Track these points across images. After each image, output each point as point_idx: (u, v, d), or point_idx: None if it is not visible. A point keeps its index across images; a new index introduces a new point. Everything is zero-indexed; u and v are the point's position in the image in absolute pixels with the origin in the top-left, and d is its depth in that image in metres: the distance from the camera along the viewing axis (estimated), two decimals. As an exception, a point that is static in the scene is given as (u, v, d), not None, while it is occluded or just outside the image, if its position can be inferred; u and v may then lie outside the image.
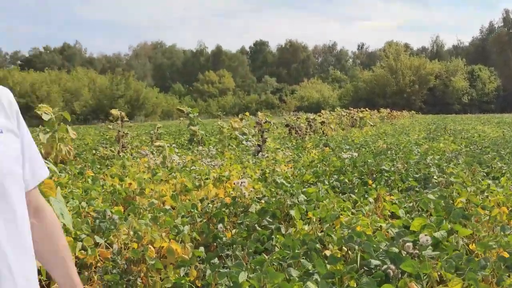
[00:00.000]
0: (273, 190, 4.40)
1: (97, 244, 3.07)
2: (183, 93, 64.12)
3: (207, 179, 4.80)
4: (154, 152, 7.00)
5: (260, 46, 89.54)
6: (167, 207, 3.92)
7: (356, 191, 4.41)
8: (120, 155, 7.32)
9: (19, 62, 74.97)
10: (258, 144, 7.69)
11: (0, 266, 1.07)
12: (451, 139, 10.81)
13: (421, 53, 73.67)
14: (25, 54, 79.20)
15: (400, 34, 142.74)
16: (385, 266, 2.44)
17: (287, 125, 12.40)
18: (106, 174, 5.15)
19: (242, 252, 2.92)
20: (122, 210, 3.76)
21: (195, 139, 9.62)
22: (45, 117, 6.27)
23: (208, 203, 4.02)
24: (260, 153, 7.14)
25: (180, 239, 3.27)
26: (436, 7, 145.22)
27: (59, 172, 5.00)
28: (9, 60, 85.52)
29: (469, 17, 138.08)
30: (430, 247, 2.59)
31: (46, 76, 51.47)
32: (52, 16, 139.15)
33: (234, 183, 4.01)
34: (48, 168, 3.19)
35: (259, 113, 13.01)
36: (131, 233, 3.16)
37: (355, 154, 6.25)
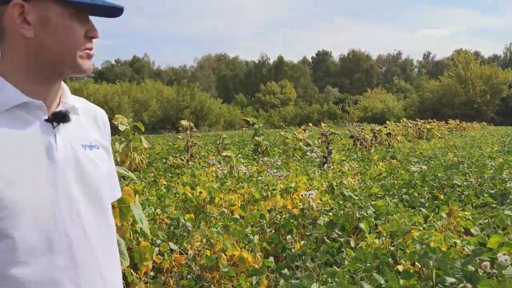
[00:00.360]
0: (341, 202, 4.39)
1: (172, 250, 3.22)
2: (245, 103, 65.00)
3: (274, 190, 4.87)
4: (221, 162, 7.19)
5: (322, 56, 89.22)
6: (236, 216, 4.04)
7: (426, 205, 4.30)
8: (189, 164, 7.59)
9: (92, 74, 79.45)
10: (323, 156, 7.67)
11: (95, 275, 1.17)
12: (528, 152, 10.22)
13: (492, 61, 70.21)
14: (98, 67, 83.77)
15: (469, 41, 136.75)
16: (461, 285, 2.39)
17: (351, 137, 12.27)
18: (177, 183, 5.37)
19: (313, 264, 2.95)
20: (193, 217, 3.91)
21: (259, 149, 9.75)
22: (121, 127, 6.63)
23: (276, 214, 4.09)
24: (326, 164, 7.13)
25: (251, 248, 3.36)
26: (509, 12, 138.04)
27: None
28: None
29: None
30: (509, 266, 2.50)
31: (117, 87, 54.17)
32: (122, 30, 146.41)
33: (302, 195, 4.05)
34: (128, 176, 3.38)
35: (322, 124, 13.00)
36: (204, 240, 3.29)
37: (424, 167, 6.10)
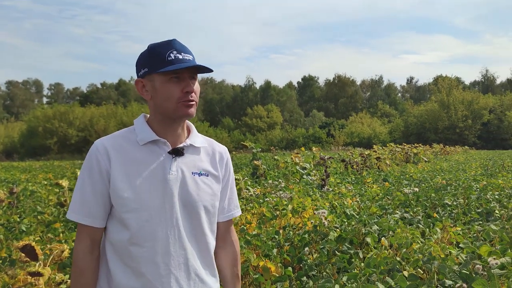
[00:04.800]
0: (345, 220, 4.88)
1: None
2: (232, 127, 65.51)
3: (284, 209, 5.34)
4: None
5: (308, 81, 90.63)
6: (253, 233, 4.49)
7: (422, 222, 4.82)
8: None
9: (77, 97, 79.63)
10: (321, 179, 8.19)
11: (182, 264, 1.64)
12: (510, 175, 10.88)
13: (473, 87, 72.36)
14: (84, 90, 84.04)
15: (450, 67, 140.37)
16: (458, 285, 2.89)
17: (343, 160, 12.85)
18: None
19: (331, 270, 3.42)
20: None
21: (257, 172, 10.23)
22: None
23: (290, 231, 4.56)
24: (325, 187, 7.64)
25: (271, 260, 3.82)
26: (488, 40, 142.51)
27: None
28: (68, 95, 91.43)
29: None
30: (497, 270, 3.01)
31: (103, 110, 54.17)
32: (108, 53, 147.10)
33: (315, 213, 4.54)
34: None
35: (314, 148, 13.55)
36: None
37: (416, 189, 6.63)
